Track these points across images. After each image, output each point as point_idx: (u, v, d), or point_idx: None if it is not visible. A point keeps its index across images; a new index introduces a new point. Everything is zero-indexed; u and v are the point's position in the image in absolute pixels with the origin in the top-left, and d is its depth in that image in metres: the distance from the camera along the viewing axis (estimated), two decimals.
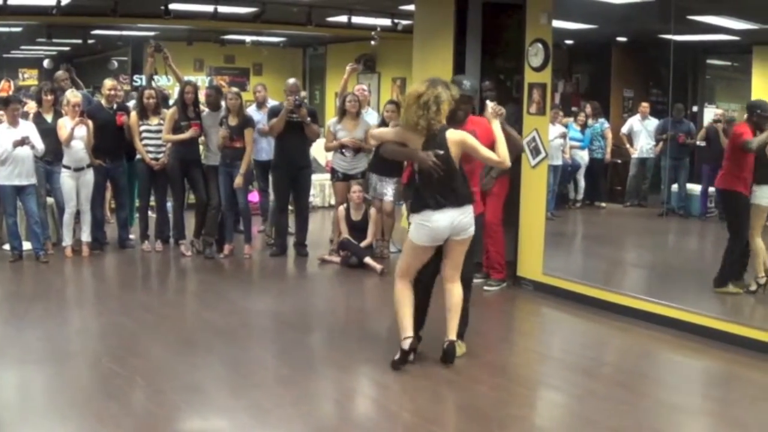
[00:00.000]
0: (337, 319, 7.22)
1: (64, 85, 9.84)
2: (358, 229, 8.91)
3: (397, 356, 5.45)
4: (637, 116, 9.00)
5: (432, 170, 5.25)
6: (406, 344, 5.44)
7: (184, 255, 9.18)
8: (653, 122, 8.82)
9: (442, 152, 5.28)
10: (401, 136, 5.53)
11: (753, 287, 6.89)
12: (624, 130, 9.15)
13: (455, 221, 5.38)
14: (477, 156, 5.52)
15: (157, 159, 9.07)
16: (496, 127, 5.61)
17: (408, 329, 5.48)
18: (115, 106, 9.24)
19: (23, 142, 8.26)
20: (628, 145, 9.11)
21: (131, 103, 9.76)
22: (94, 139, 8.85)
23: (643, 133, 8.96)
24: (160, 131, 9.04)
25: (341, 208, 9.07)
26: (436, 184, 5.33)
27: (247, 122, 8.93)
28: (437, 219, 5.35)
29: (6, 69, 17.93)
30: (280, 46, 17.88)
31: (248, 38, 16.58)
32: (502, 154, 5.50)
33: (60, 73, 10.34)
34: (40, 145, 8.47)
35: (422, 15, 9.31)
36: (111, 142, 9.10)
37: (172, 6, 11.20)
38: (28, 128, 8.53)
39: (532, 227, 7.84)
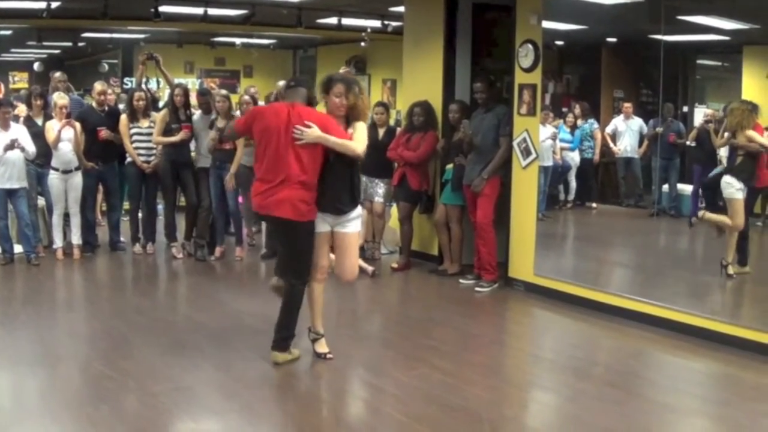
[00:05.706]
0: (328, 321, 7.15)
1: (60, 86, 9.81)
2: None
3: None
4: (621, 116, 9.03)
5: None
6: None
7: (176, 257, 9.17)
8: (637, 122, 8.84)
9: None
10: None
11: None
12: (608, 130, 9.18)
13: None
14: None
15: (148, 162, 9.06)
16: None
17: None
18: (106, 109, 9.24)
19: (13, 145, 8.24)
20: (612, 145, 9.14)
21: (122, 106, 9.75)
22: (86, 142, 8.85)
23: (626, 133, 8.99)
24: (150, 134, 9.02)
25: None
26: None
27: None
28: None
29: None
30: (270, 48, 17.86)
31: (238, 40, 16.57)
32: None
33: (58, 74, 10.30)
34: (31, 148, 8.45)
35: (412, 16, 9.31)
36: (102, 145, 9.07)
37: (162, 8, 11.18)
38: (19, 131, 8.51)
39: (523, 228, 7.85)
